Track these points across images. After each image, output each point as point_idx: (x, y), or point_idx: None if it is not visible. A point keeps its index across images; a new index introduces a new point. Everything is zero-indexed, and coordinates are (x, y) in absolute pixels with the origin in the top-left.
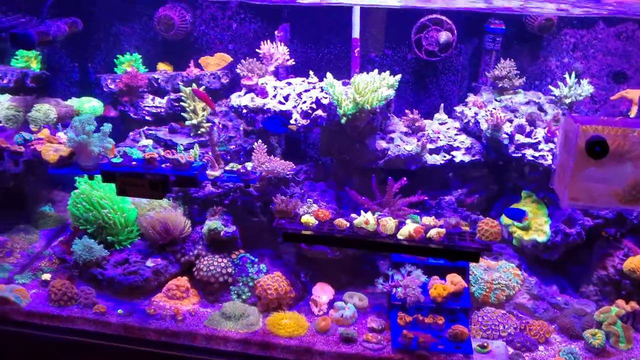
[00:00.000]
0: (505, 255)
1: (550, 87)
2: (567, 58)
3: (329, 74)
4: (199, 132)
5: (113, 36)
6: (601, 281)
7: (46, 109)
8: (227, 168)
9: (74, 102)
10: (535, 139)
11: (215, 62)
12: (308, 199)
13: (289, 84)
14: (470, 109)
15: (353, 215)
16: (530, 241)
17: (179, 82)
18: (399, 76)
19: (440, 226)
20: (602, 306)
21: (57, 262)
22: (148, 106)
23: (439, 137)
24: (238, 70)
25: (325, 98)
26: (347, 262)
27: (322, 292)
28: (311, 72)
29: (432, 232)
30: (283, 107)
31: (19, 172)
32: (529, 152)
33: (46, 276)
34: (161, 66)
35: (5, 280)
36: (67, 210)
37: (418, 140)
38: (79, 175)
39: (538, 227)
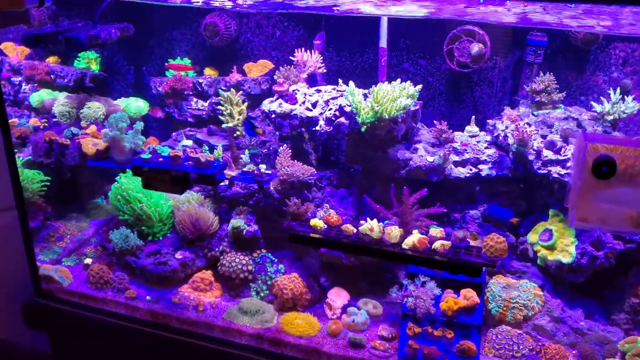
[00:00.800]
0: (528, 274)
1: (592, 103)
2: (616, 73)
3: (351, 82)
4: (234, 135)
5: (166, 41)
6: (633, 309)
7: (96, 107)
8: (244, 169)
9: (121, 102)
10: (564, 155)
11: (257, 69)
12: (325, 205)
13: (318, 91)
14: (502, 122)
15: (362, 222)
16: (555, 261)
17: (221, 87)
18: (419, 86)
19: (446, 239)
20: (631, 335)
21: (100, 248)
22: (191, 108)
23: (465, 150)
24: (276, 77)
25: (349, 106)
26: (366, 269)
27: (337, 297)
28: (340, 81)
29: (437, 244)
30: (310, 114)
31: (74, 164)
32: (555, 170)
33: (88, 260)
34: (207, 71)
35: (53, 261)
36: None
37: (458, 154)
38: (113, 169)
39: (564, 247)
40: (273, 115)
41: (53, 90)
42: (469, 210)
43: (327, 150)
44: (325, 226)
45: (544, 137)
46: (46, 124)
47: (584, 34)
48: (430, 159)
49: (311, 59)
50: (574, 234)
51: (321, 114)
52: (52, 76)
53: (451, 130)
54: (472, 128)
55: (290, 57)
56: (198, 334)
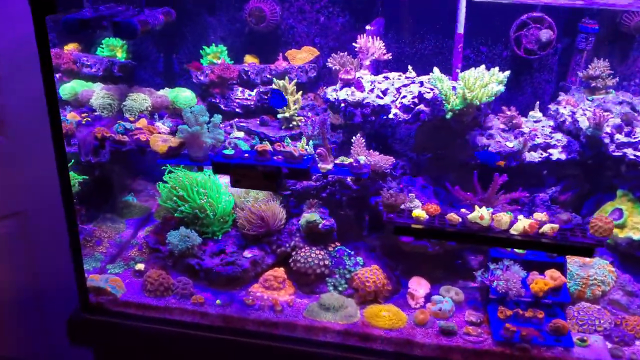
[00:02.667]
0: (597, 252)
1: None
2: None
3: (435, 69)
4: (290, 125)
5: (200, 27)
6: None
7: (142, 99)
8: (336, 161)
9: (167, 92)
10: (635, 138)
11: (302, 56)
12: (410, 194)
13: (387, 78)
14: (565, 107)
15: (463, 210)
16: (626, 239)
17: (267, 75)
18: (507, 72)
19: (552, 222)
20: None
21: (147, 251)
22: (238, 98)
23: (536, 135)
24: (329, 64)
25: (428, 93)
26: (442, 257)
27: (419, 286)
28: (410, 67)
29: (546, 228)
30: (381, 102)
31: (104, 161)
32: (630, 151)
33: (140, 266)
34: (248, 59)
35: (98, 269)
36: (149, 199)
37: (515, 138)
38: (188, 166)
39: (634, 225)
40: (343, 105)
41: (79, 80)
42: (538, 194)
43: (378, 138)
44: (427, 217)
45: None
46: (89, 119)
47: (637, 21)
48: (510, 144)
49: (374, 45)
50: None
51: (393, 101)
52: (77, 65)
53: (520, 116)
54: (537, 114)
55: (353, 44)
56: (278, 335)
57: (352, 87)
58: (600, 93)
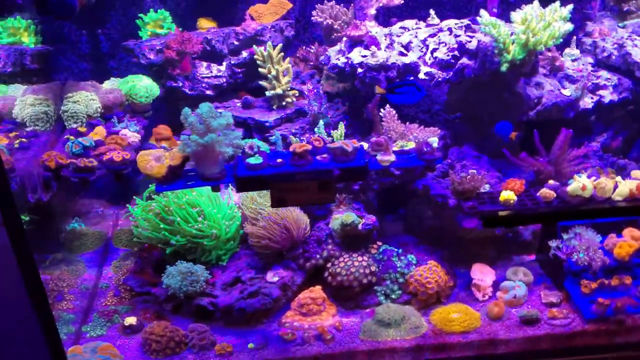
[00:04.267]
0: None
1: None
2: None
3: (483, 12)
4: (284, 103)
5: None
6: None
7: (88, 99)
8: (394, 149)
9: (115, 84)
10: None
11: (270, 11)
12: (471, 170)
13: (405, 28)
14: (604, 39)
15: (551, 182)
16: None
17: (234, 42)
18: (570, 6)
19: None
20: None
21: (127, 296)
22: (206, 77)
23: (582, 76)
24: (317, 18)
25: (470, 42)
26: (492, 235)
27: (483, 275)
28: (432, 12)
29: None
30: (406, 60)
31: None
32: None
33: (130, 320)
34: (204, 23)
35: (72, 336)
36: (99, 221)
37: (572, 83)
38: (193, 187)
39: None
40: (361, 70)
41: None
42: (589, 143)
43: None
44: (516, 198)
45: None
46: (22, 140)
47: None
48: (566, 92)
49: None
50: None
51: (421, 57)
52: None
53: (561, 56)
54: (573, 51)
55: None
56: None
57: (372, 46)
58: (632, 17)
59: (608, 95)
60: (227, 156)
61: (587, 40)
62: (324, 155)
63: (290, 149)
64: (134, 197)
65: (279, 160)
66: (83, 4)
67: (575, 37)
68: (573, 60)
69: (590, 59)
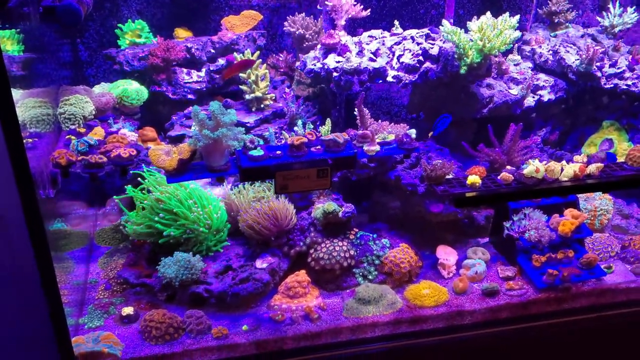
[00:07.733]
0: None
1: (598, 18)
2: None
3: (445, 22)
4: (262, 105)
5: (109, 1)
6: None
7: (83, 102)
8: (377, 141)
9: (105, 88)
10: (619, 68)
11: (242, 22)
12: (439, 160)
13: (373, 37)
14: (540, 46)
15: (508, 167)
16: None
17: (211, 50)
18: (517, 16)
19: (589, 162)
20: None
21: (119, 289)
22: (187, 82)
23: (525, 78)
24: (288, 29)
25: (432, 48)
26: (450, 219)
27: (447, 254)
28: (396, 22)
29: (592, 168)
30: (375, 65)
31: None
32: (621, 82)
33: (127, 310)
34: (180, 33)
35: (73, 328)
36: (81, 222)
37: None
38: (193, 180)
39: (622, 152)
40: (336, 74)
41: None
42: (533, 137)
43: (350, 107)
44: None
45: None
46: (28, 140)
47: None
48: (514, 92)
49: (348, 3)
50: (627, 139)
51: (388, 62)
52: None
53: (506, 61)
54: (515, 57)
55: (326, 2)
56: (324, 345)
57: (347, 52)
58: (562, 28)
59: (546, 95)
60: (233, 149)
61: (526, 47)
62: (318, 147)
63: (288, 142)
64: (114, 197)
65: (278, 152)
66: (85, 13)
67: (516, 45)
68: (515, 65)
69: (529, 64)
